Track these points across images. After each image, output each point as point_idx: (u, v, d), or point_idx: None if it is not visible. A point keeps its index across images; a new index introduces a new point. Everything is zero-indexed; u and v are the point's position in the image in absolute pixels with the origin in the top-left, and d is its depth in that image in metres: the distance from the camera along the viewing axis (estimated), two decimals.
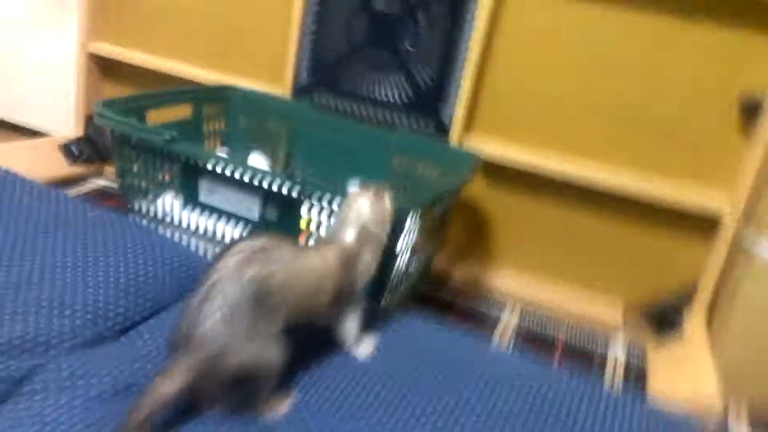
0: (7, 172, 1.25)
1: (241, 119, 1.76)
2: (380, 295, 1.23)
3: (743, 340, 1.37)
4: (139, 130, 1.31)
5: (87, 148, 1.94)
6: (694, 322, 1.49)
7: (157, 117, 1.54)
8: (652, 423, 0.89)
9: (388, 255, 1.17)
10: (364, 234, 0.91)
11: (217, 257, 0.76)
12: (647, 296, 1.61)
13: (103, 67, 1.97)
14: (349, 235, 0.90)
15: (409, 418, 0.81)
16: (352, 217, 0.92)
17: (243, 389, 0.75)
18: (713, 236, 1.49)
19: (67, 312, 0.89)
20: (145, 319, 0.96)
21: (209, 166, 1.24)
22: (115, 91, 1.97)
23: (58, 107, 2.04)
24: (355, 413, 0.80)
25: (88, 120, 1.97)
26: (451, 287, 1.71)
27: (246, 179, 1.21)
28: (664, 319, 1.55)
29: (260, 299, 0.73)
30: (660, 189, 1.50)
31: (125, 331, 0.93)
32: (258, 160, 1.72)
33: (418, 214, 1.19)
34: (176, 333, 0.73)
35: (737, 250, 1.46)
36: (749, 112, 1.41)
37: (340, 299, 0.87)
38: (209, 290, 0.72)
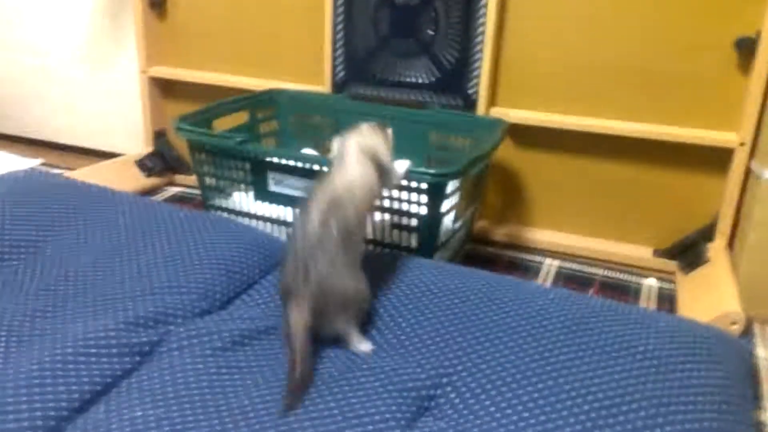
0: (104, 188, 1.49)
1: (290, 118, 1.98)
2: (432, 253, 1.43)
3: (759, 257, 1.52)
4: (214, 137, 1.54)
5: (158, 162, 2.19)
6: (717, 248, 1.65)
7: (219, 125, 1.77)
8: (683, 330, 1.06)
9: (435, 216, 1.37)
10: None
11: (300, 210, 1.02)
12: (675, 233, 1.77)
13: (163, 87, 2.22)
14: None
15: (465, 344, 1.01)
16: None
17: (348, 312, 0.98)
18: (728, 169, 1.64)
19: (182, 290, 1.12)
20: (240, 293, 1.17)
21: (276, 160, 1.46)
22: (175, 107, 2.21)
23: (125, 128, 2.30)
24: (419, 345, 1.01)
25: (156, 136, 2.22)
26: (494, 244, 1.90)
27: (307, 166, 1.43)
28: (690, 250, 1.70)
29: (345, 236, 0.98)
30: (675, 131, 1.66)
31: (227, 303, 1.14)
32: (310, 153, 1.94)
33: (457, 178, 1.38)
34: (287, 276, 0.98)
35: (749, 179, 1.61)
36: (745, 51, 1.55)
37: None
38: (305, 241, 0.96)
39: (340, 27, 1.88)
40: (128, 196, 1.47)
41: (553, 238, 1.87)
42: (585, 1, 1.67)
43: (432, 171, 1.32)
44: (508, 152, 1.86)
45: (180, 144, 2.21)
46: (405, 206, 1.38)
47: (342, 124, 1.90)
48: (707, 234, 1.71)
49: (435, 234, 1.41)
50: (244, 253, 1.26)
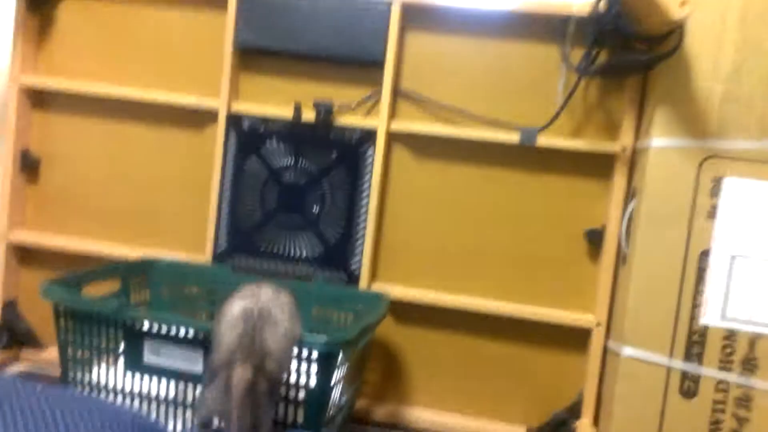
0: None
1: (164, 288, 1.90)
2: (319, 428, 1.36)
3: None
4: (90, 302, 1.43)
5: (5, 335, 1.97)
6: (583, 426, 1.73)
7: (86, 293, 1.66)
8: None
9: (326, 387, 1.34)
10: None
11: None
12: (547, 409, 1.84)
13: (21, 254, 2.06)
14: None
15: None
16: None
17: (270, 401, 1.09)
18: (588, 348, 1.78)
19: None
20: None
21: (154, 329, 1.38)
22: (32, 275, 2.05)
23: None
24: None
25: (6, 307, 2.02)
26: (374, 424, 1.84)
27: (190, 336, 1.36)
28: (560, 429, 1.77)
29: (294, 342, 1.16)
30: (538, 311, 1.80)
31: None
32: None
33: (350, 345, 1.38)
34: (231, 345, 1.08)
35: (609, 356, 1.75)
36: (594, 241, 1.78)
37: None
38: (261, 314, 1.10)
39: (225, 199, 1.91)
40: None
41: (432, 416, 1.87)
42: (459, 189, 1.85)
43: (325, 338, 1.31)
44: (387, 328, 1.90)
45: (32, 316, 2.03)
46: (293, 377, 1.34)
47: (220, 295, 1.86)
48: (575, 411, 1.79)
49: (324, 407, 1.36)
50: None
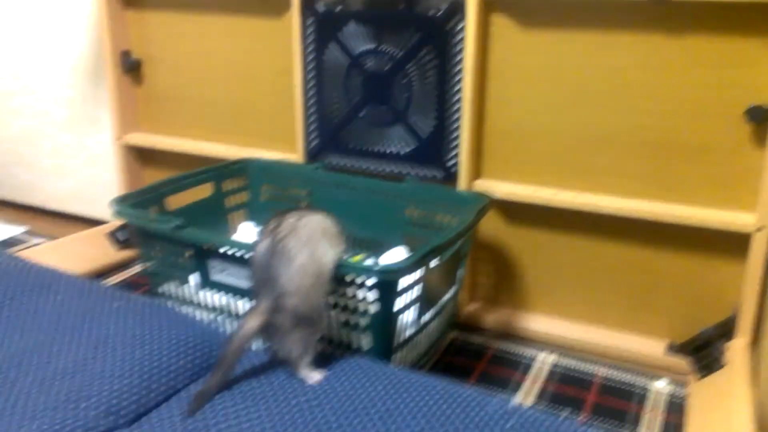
0: (46, 270, 1.36)
1: (263, 189, 1.83)
2: (390, 354, 1.23)
3: None
4: (148, 221, 1.39)
5: (131, 234, 2.07)
6: (736, 352, 1.40)
7: (183, 200, 1.63)
8: None
9: (388, 314, 1.18)
10: None
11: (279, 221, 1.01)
12: (693, 324, 1.52)
13: (140, 155, 2.11)
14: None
15: None
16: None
17: (299, 332, 0.98)
18: (747, 255, 1.40)
19: (82, 406, 0.95)
20: (159, 404, 1.01)
21: (217, 249, 1.30)
22: (153, 175, 2.10)
23: (109, 196, 2.20)
24: None
25: None
26: (483, 334, 1.68)
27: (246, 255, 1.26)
28: (706, 350, 1.46)
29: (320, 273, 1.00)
30: (684, 211, 1.44)
31: (138, 418, 0.98)
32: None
33: (412, 272, 1.19)
34: (258, 281, 1.00)
35: None
36: (758, 120, 1.34)
37: None
38: (275, 250, 0.97)
39: (311, 94, 1.74)
40: (70, 281, 1.32)
41: (551, 326, 1.64)
42: (578, 64, 1.49)
43: (379, 266, 1.14)
44: (498, 229, 1.67)
45: None
46: (353, 302, 1.20)
47: (316, 195, 1.75)
48: (727, 330, 1.46)
49: (389, 334, 1.22)
50: (173, 354, 1.10)
